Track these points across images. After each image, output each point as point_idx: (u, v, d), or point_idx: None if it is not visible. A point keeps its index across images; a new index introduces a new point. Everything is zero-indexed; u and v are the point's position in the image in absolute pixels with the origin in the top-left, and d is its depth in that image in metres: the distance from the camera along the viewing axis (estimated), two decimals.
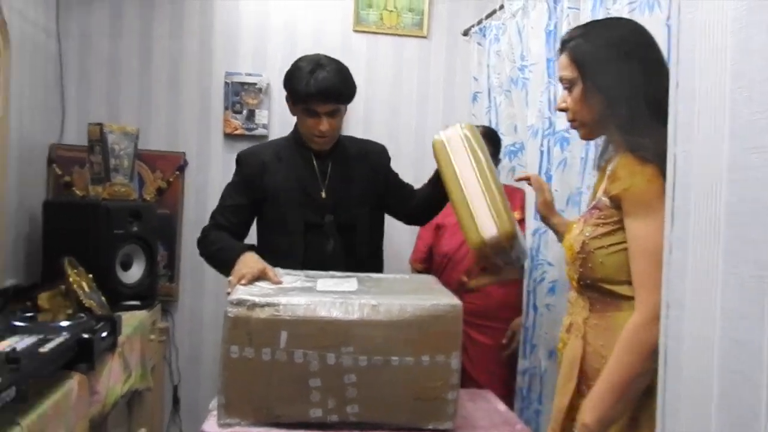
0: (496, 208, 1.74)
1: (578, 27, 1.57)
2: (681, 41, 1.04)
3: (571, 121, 1.54)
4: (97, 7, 3.21)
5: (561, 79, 1.52)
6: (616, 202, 1.40)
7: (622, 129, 1.41)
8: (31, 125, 2.86)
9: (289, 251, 2.14)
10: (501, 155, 2.79)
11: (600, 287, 1.45)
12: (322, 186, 2.21)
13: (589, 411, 1.35)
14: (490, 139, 2.62)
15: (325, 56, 2.18)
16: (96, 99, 3.21)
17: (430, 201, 2.28)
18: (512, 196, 2.61)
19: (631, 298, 1.38)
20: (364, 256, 2.23)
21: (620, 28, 1.49)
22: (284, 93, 2.22)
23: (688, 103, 1.01)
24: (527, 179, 1.96)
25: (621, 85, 1.40)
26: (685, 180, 1.00)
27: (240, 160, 2.28)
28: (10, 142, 2.50)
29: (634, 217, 1.35)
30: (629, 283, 1.38)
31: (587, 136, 1.56)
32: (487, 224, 1.72)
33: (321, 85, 2.08)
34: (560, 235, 1.78)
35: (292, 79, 2.14)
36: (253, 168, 2.22)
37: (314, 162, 2.23)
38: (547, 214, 1.86)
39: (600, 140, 1.62)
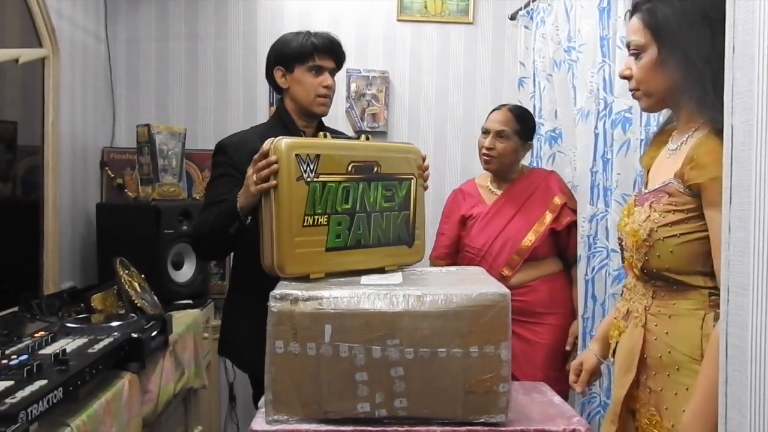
0: (276, 240, 1.65)
1: None
2: (738, 0, 0.96)
3: (634, 90, 1.41)
4: (144, 11, 3.26)
5: (629, 45, 1.39)
6: (695, 191, 1.28)
7: (703, 103, 1.28)
8: (84, 129, 2.91)
9: None
10: (543, 141, 2.68)
11: (666, 276, 1.36)
12: None
13: (696, 428, 1.22)
14: (520, 119, 2.45)
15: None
16: (145, 102, 3.26)
17: None
18: (547, 180, 2.48)
19: (699, 287, 1.31)
20: None
21: None
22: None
23: (746, 69, 0.93)
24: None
25: (706, 52, 1.25)
26: (745, 153, 0.92)
27: (224, 149, 2.09)
28: (62, 146, 2.54)
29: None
30: (700, 273, 1.30)
31: (651, 108, 1.44)
32: (267, 252, 1.68)
33: (325, 39, 2.10)
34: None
35: (290, 44, 2.10)
36: (242, 156, 1.95)
37: None
38: None
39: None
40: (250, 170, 1.72)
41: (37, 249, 2.37)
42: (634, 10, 1.39)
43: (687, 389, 1.30)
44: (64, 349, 1.52)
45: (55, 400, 1.30)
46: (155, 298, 2.32)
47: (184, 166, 2.85)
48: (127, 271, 2.22)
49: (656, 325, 1.38)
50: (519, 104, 2.54)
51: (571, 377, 1.78)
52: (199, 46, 3.29)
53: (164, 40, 3.27)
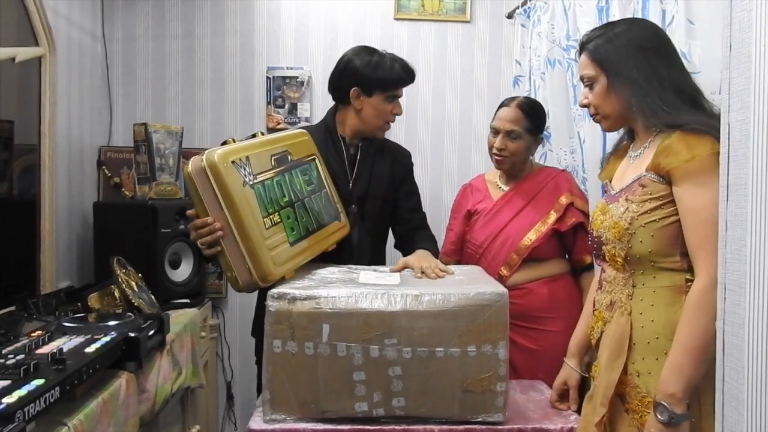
0: (249, 252, 1.66)
1: (595, 29, 1.64)
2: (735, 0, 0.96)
3: (594, 114, 1.62)
4: (140, 10, 3.25)
5: (582, 78, 1.61)
6: (667, 178, 1.44)
7: (655, 112, 1.48)
8: (80, 128, 2.91)
9: None
10: None
11: (646, 262, 1.48)
12: (350, 176, 2.20)
13: (673, 381, 1.35)
14: (530, 115, 2.29)
15: (372, 47, 2.23)
16: (142, 100, 3.26)
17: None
18: (556, 178, 2.37)
19: (676, 270, 1.45)
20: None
21: (636, 26, 1.57)
22: (327, 84, 2.22)
23: (743, 67, 0.93)
24: None
25: (646, 74, 1.48)
26: (741, 151, 0.92)
27: None
28: (58, 145, 2.54)
29: (697, 187, 1.37)
30: (677, 254, 1.44)
31: (611, 128, 1.65)
32: (242, 270, 1.69)
33: (408, 68, 2.17)
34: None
35: (376, 70, 2.12)
36: None
37: (344, 152, 2.21)
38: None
39: None
40: (192, 234, 1.75)
41: (34, 248, 2.36)
42: (581, 50, 1.62)
43: None
44: (61, 349, 1.52)
45: (52, 400, 1.30)
46: (152, 297, 2.31)
47: (182, 165, 2.84)
48: (124, 270, 2.21)
49: (641, 314, 1.49)
50: (527, 96, 2.43)
51: (553, 396, 1.81)
52: (195, 44, 3.28)
53: (161, 38, 3.27)
